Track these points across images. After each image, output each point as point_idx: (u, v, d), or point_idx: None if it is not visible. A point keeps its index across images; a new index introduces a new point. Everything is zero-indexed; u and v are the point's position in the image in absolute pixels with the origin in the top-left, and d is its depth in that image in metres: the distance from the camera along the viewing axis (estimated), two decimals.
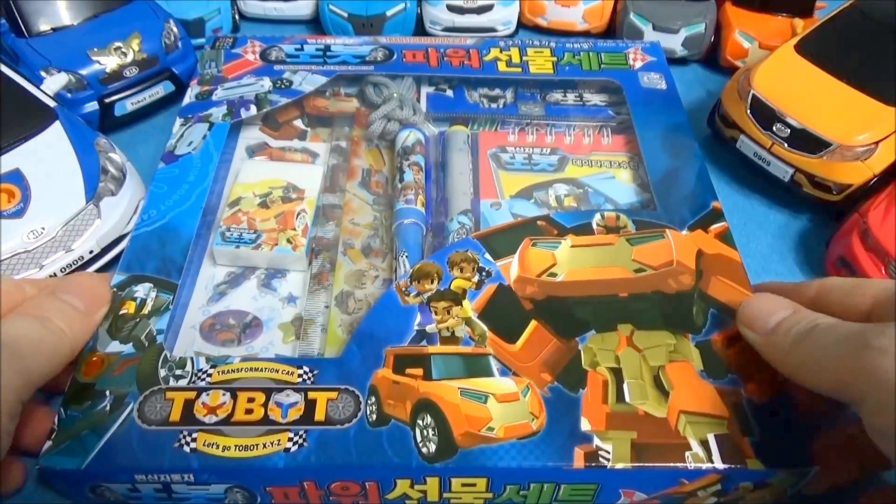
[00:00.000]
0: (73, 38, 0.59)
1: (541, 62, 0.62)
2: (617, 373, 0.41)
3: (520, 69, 0.62)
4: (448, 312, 0.44)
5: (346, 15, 0.70)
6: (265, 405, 0.39)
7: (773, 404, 0.40)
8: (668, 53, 0.69)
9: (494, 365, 0.41)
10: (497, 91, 0.63)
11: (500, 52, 0.63)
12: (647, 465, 0.38)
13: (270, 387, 0.40)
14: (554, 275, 0.46)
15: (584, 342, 0.43)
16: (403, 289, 0.45)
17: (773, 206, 0.60)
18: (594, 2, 0.72)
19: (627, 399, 0.40)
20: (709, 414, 0.40)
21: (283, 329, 0.47)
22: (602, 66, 0.62)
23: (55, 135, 0.49)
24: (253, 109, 0.57)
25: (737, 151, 0.59)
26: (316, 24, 0.74)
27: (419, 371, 0.41)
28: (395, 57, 0.62)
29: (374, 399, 0.40)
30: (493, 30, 0.72)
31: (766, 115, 0.56)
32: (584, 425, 0.39)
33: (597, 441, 0.38)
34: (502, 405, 0.40)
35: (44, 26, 0.59)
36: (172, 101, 0.64)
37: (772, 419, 0.39)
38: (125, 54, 0.59)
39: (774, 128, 0.56)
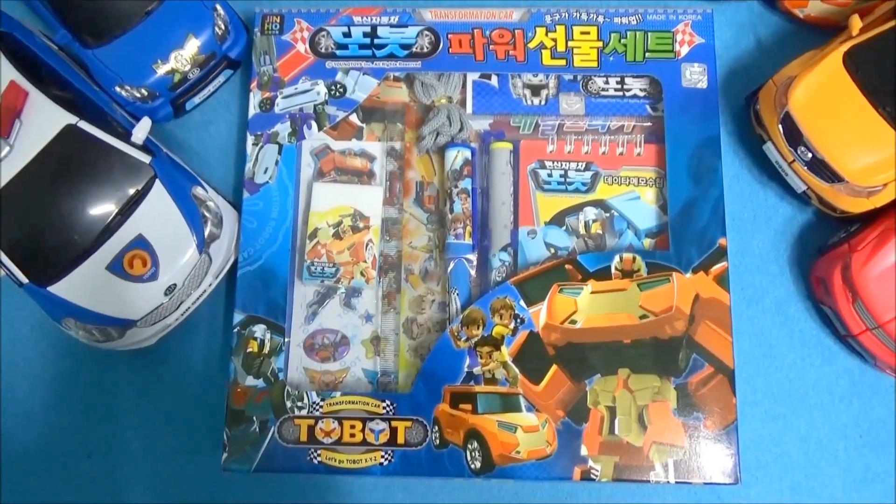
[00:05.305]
0: (134, 47, 0.62)
1: (585, 50, 0.63)
2: (612, 410, 0.57)
3: (564, 62, 0.63)
4: (490, 357, 0.58)
5: None
6: (363, 431, 0.57)
7: (720, 434, 0.56)
8: None
9: (522, 402, 0.57)
10: (541, 78, 0.64)
11: (546, 34, 0.63)
12: (622, 479, 0.56)
13: (364, 416, 0.57)
14: (574, 321, 0.58)
15: (591, 384, 0.57)
16: (456, 333, 0.58)
17: (784, 196, 0.66)
18: None
19: (616, 432, 0.56)
20: (673, 444, 0.56)
21: (364, 346, 0.62)
22: (647, 53, 0.63)
23: (158, 194, 0.58)
24: (314, 127, 0.63)
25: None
26: None
27: (469, 406, 0.57)
28: (441, 47, 0.63)
29: (437, 428, 0.57)
30: None
31: (794, 135, 0.59)
32: (583, 451, 0.56)
33: (590, 462, 0.56)
34: (527, 435, 0.57)
35: (103, 36, 0.61)
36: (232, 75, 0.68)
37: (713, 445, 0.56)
38: (186, 61, 0.62)
39: (799, 150, 0.59)
